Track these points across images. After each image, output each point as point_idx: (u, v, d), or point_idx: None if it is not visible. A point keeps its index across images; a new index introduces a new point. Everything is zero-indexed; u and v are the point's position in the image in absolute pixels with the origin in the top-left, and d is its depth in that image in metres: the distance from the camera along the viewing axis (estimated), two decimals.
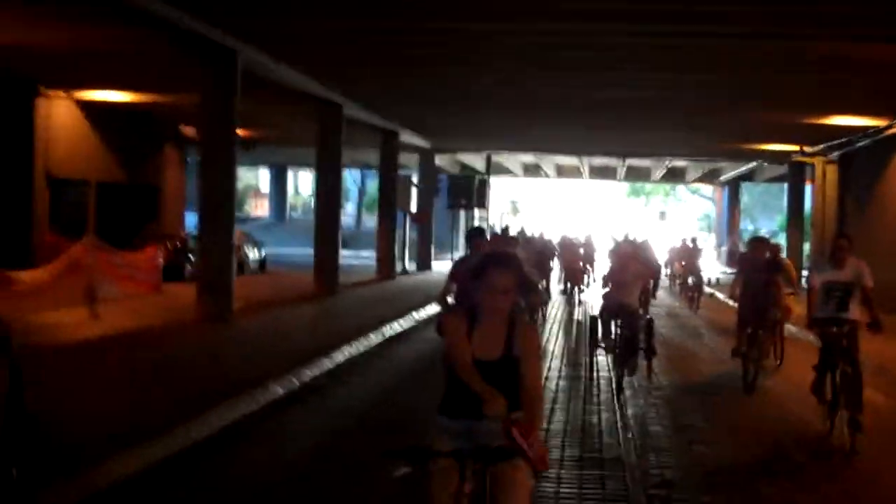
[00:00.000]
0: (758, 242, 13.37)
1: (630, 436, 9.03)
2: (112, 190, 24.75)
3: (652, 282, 17.63)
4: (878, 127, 21.00)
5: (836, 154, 25.30)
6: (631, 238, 19.14)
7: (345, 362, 12.49)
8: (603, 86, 18.20)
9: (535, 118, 23.96)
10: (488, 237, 12.48)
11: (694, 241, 26.45)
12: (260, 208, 63.36)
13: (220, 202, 15.15)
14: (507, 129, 27.64)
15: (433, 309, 17.37)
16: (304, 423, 9.23)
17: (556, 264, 26.14)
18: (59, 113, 22.10)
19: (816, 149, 25.89)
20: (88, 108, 23.10)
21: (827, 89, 17.33)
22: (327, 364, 11.86)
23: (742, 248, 28.92)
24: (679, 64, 15.66)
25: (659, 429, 9.55)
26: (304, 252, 31.00)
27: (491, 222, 39.13)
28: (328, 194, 21.75)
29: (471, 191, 33.86)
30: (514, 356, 4.22)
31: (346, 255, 25.59)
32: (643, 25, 13.20)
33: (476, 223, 35.93)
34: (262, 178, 62.99)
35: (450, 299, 9.11)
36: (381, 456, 3.87)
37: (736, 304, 13.08)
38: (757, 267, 12.18)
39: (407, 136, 28.48)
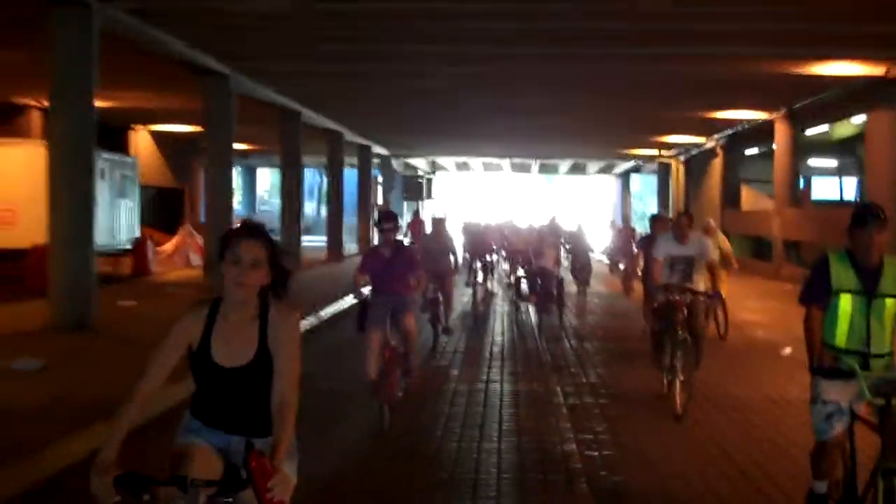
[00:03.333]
0: (655, 219, 13.33)
1: (545, 347, 13.65)
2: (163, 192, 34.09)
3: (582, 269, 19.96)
4: (702, 142, 31.69)
5: (682, 157, 35.97)
6: (556, 221, 21.45)
7: None
8: (521, 113, 25.82)
9: (467, 132, 33.12)
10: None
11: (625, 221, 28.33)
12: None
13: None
14: (445, 139, 37.05)
15: None
16: None
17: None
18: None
19: (670, 153, 36.56)
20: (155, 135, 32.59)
21: (669, 122, 27.59)
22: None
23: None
24: (575, 103, 23.66)
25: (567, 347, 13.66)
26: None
27: (435, 211, 48.80)
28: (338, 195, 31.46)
29: (420, 187, 43.79)
30: (269, 353, 3.47)
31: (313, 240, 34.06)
32: (552, 66, 18.35)
33: (426, 212, 45.50)
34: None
35: (365, 291, 8.65)
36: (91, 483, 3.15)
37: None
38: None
39: (373, 147, 38.18)
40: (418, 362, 8.90)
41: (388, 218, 8.74)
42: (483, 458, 7.39)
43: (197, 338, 3.49)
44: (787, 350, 11.99)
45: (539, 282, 15.30)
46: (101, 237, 23.23)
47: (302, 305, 3.59)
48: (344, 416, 8.77)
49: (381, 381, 8.22)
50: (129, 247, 24.06)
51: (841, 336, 4.99)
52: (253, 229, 3.54)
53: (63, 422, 7.41)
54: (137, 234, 25.02)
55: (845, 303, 4.95)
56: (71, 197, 12.65)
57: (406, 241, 16.09)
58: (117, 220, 23.68)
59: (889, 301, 4.96)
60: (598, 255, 27.55)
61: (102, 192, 23.49)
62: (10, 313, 13.90)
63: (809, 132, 26.36)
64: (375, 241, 9.23)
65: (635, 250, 24.35)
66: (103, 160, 23.40)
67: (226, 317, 3.50)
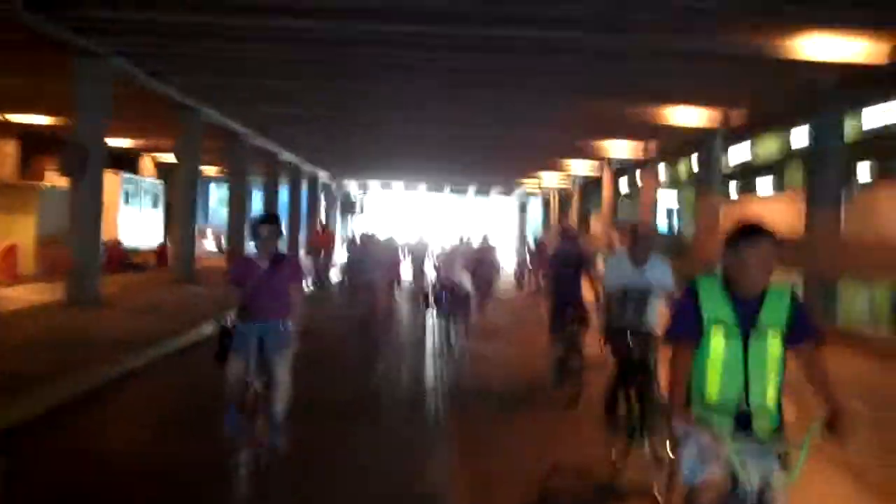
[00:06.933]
0: (563, 234, 12.53)
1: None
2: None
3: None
4: (566, 185, 43.20)
5: (557, 191, 47.59)
6: (468, 240, 21.83)
7: None
8: (432, 156, 36.36)
9: (390, 164, 42.79)
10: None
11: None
12: None
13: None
14: (373, 167, 46.94)
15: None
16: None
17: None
18: None
19: (547, 188, 48.20)
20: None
21: (542, 168, 38.92)
22: None
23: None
24: (464, 147, 34.03)
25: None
26: None
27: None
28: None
29: (354, 204, 54.59)
30: None
31: None
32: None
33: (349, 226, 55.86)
34: None
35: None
36: None
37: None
38: (564, 263, 11.09)
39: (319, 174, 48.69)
40: (285, 421, 7.05)
41: (268, 222, 7.19)
42: None
43: None
44: None
45: (447, 295, 15.74)
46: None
47: None
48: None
49: (237, 432, 6.69)
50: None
51: None
52: None
53: None
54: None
55: None
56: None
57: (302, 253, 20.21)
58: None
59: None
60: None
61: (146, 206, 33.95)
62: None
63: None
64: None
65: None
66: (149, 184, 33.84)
67: None
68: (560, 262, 11.26)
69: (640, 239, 7.74)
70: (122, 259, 28.98)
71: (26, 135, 31.02)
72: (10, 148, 30.55)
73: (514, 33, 14.57)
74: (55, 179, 28.93)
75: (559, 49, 15.71)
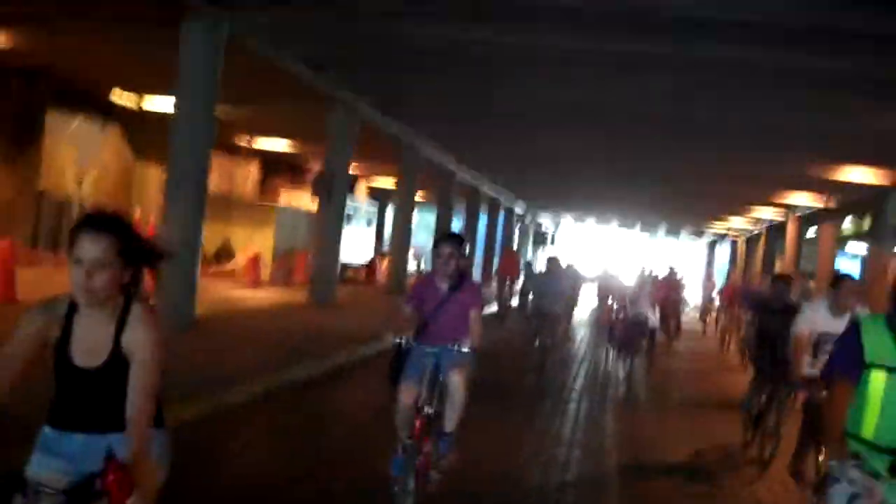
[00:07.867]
0: (775, 281, 10.50)
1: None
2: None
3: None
4: (752, 229, 44.64)
5: (745, 236, 48.95)
6: (652, 272, 21.77)
7: None
8: (626, 196, 39.58)
9: (584, 200, 45.68)
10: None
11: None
12: None
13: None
14: (567, 202, 49.87)
15: None
16: None
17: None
18: None
19: (736, 233, 49.56)
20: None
21: (732, 214, 40.74)
22: None
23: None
24: (660, 199, 38.39)
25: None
26: None
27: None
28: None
29: (545, 236, 57.54)
30: (124, 356, 3.24)
31: None
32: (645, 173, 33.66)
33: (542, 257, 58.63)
34: None
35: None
36: None
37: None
38: (772, 310, 9.71)
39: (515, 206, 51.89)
40: (458, 435, 6.78)
41: (450, 240, 6.68)
42: None
43: (55, 338, 3.26)
44: None
45: (632, 329, 15.45)
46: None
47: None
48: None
49: (406, 460, 6.39)
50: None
51: None
52: (97, 221, 3.15)
53: None
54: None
55: None
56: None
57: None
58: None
59: None
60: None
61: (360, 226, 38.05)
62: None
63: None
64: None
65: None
66: (364, 207, 38.04)
67: (84, 315, 3.26)
68: (764, 309, 10.16)
69: (843, 288, 7.63)
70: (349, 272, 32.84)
71: (265, 159, 35.62)
72: (253, 170, 35.20)
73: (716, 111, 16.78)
74: (288, 199, 33.34)
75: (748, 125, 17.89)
